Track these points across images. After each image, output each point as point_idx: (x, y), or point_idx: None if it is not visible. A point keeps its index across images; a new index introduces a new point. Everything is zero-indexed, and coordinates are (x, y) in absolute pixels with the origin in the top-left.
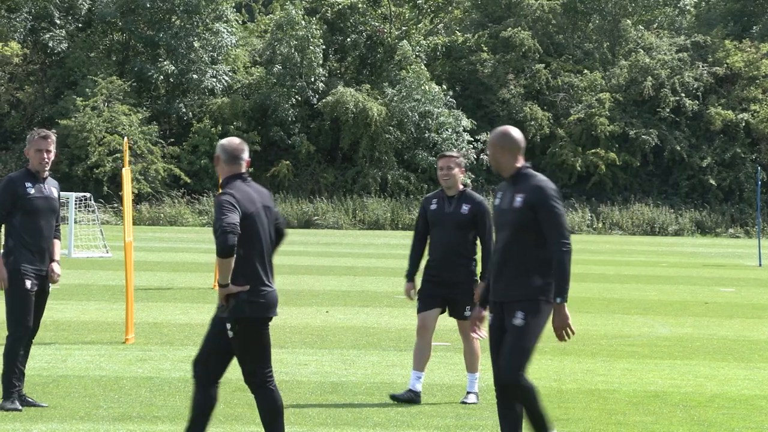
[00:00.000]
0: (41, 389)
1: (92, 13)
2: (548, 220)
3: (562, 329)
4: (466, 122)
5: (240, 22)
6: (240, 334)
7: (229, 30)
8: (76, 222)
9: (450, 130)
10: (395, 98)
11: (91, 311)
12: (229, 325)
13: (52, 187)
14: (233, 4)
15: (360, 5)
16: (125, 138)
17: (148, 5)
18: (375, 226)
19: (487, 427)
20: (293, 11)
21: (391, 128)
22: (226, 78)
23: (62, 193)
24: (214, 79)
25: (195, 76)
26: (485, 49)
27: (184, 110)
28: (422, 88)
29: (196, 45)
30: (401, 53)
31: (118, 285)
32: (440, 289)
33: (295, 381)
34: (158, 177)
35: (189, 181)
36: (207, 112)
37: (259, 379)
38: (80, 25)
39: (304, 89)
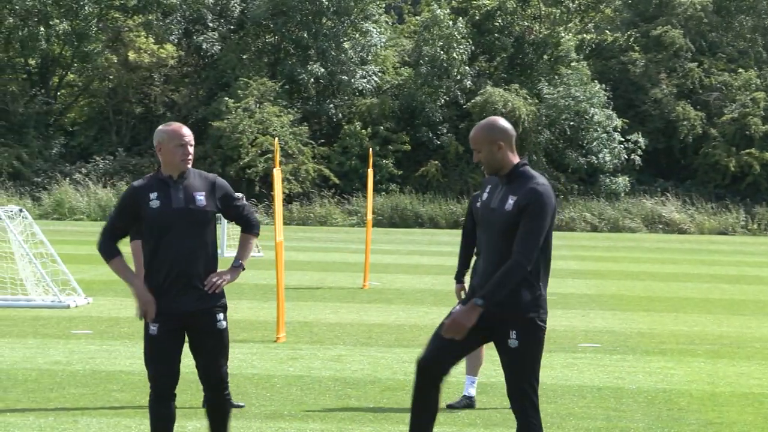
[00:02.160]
0: (195, 386)
1: (244, 15)
2: (525, 228)
3: (457, 329)
4: (617, 122)
5: (389, 23)
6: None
7: (379, 30)
8: (228, 222)
9: (600, 129)
10: (548, 98)
11: (243, 310)
12: (222, 315)
13: None
14: (383, 5)
15: (509, 5)
16: (276, 138)
17: (298, 7)
18: None
19: (639, 429)
20: (439, 11)
21: (540, 128)
22: (376, 79)
23: None
24: (364, 80)
25: (345, 77)
26: (636, 48)
27: (333, 111)
28: (582, 87)
29: (345, 46)
30: (564, 50)
31: (269, 284)
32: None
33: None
34: (308, 177)
35: (338, 181)
36: (356, 113)
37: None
38: (233, 27)
39: (451, 89)
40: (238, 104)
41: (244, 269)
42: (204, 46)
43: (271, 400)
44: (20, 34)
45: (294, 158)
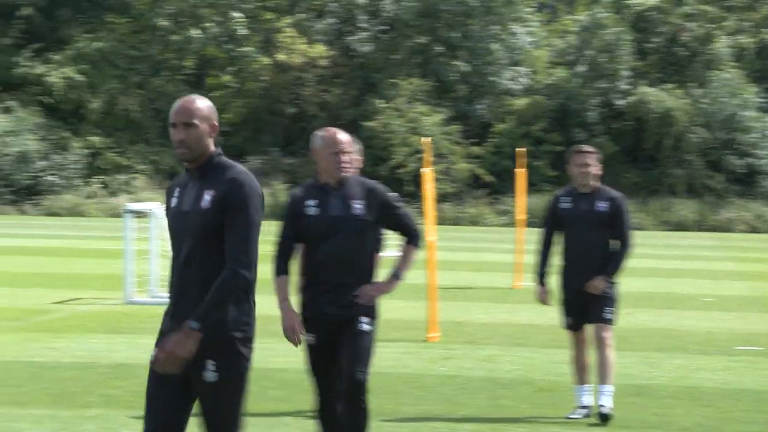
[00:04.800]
0: None
1: (395, 15)
2: (232, 229)
3: (168, 362)
4: None
5: (540, 23)
6: (374, 330)
7: (529, 30)
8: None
9: (759, 133)
10: (703, 99)
11: (395, 309)
12: (368, 319)
13: None
14: (534, 5)
15: (664, 4)
16: (427, 139)
17: (448, 7)
18: (679, 227)
19: None
20: (600, 15)
21: (697, 128)
22: (526, 79)
23: None
24: (513, 81)
25: (494, 78)
26: None
27: (484, 111)
28: (735, 90)
29: (494, 47)
30: (712, 53)
31: (420, 284)
32: (582, 299)
33: None
34: (460, 177)
35: (493, 180)
36: (507, 113)
37: None
38: (384, 27)
39: (608, 90)
40: (387, 104)
41: (401, 281)
42: (355, 47)
43: (424, 399)
44: (175, 37)
45: (445, 158)
